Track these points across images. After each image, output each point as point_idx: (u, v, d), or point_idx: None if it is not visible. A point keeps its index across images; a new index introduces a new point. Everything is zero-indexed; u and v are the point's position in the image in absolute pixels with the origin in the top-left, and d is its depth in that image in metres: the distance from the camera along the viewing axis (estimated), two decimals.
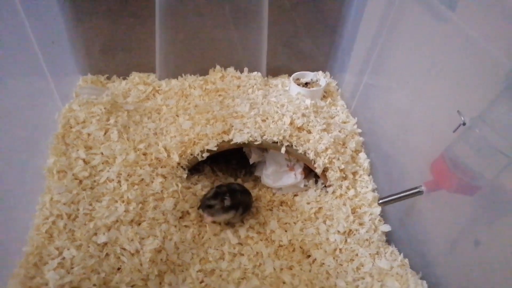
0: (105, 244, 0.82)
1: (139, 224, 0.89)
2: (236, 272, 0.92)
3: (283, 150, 1.00)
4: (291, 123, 1.04)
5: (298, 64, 1.40)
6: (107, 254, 0.81)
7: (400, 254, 0.92)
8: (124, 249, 0.83)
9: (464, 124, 0.71)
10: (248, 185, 1.17)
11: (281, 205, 1.11)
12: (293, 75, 1.25)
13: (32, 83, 1.00)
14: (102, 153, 0.95)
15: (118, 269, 0.81)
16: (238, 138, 0.99)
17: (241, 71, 1.28)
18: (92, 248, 0.80)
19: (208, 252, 0.95)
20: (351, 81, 1.27)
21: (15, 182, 0.83)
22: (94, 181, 0.91)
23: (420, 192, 0.82)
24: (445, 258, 0.87)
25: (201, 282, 0.89)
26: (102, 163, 0.94)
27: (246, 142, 0.99)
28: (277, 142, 1.01)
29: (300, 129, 1.05)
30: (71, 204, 0.84)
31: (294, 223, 1.04)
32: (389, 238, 0.98)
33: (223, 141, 1.00)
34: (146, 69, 1.29)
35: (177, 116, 1.11)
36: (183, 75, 1.26)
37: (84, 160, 0.93)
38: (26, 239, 0.78)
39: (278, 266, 0.94)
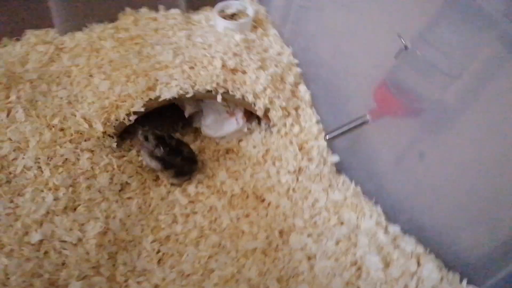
0: (41, 241, 0.73)
1: (75, 209, 0.80)
2: (193, 232, 0.89)
3: (219, 98, 0.92)
4: (223, 66, 0.94)
5: None
6: (46, 252, 0.73)
7: (351, 182, 0.93)
8: (64, 241, 0.75)
9: (406, 48, 0.67)
10: (188, 138, 1.10)
11: (227, 153, 1.06)
12: (216, 7, 1.11)
13: None
14: (10, 139, 0.81)
15: (63, 264, 0.73)
16: (166, 93, 0.89)
17: (156, 10, 1.11)
18: (26, 250, 0.71)
19: (159, 219, 0.91)
20: (280, 4, 1.16)
21: None
22: (10, 173, 0.79)
23: (365, 122, 0.80)
24: (393, 173, 0.89)
25: (157, 252, 0.85)
26: (14, 151, 0.80)
27: (176, 96, 0.89)
28: (211, 91, 0.91)
29: (233, 70, 0.96)
30: None
31: (243, 170, 1.00)
32: (339, 168, 0.98)
33: (150, 99, 0.89)
34: (42, 24, 1.07)
35: (91, 76, 0.96)
36: (87, 25, 1.06)
37: None
38: None
39: (234, 217, 0.92)
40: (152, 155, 0.90)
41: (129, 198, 0.89)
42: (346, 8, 0.87)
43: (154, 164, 0.91)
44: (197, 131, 1.11)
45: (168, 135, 0.91)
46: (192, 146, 1.05)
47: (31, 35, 1.05)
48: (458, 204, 0.74)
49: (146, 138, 0.88)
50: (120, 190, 0.89)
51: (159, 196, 0.94)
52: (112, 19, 1.09)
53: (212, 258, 0.85)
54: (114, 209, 0.84)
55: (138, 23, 1.07)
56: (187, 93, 0.90)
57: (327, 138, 0.84)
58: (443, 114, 0.74)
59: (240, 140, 1.07)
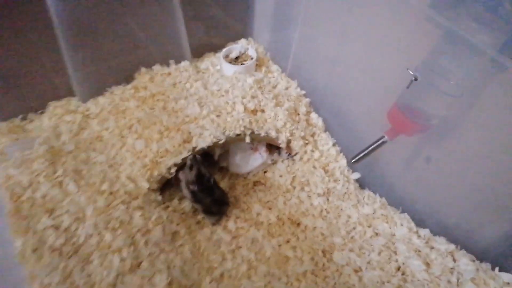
0: None
1: (139, 266, 0.87)
2: (242, 266, 0.97)
3: (247, 139, 1.01)
4: (245, 109, 1.03)
5: (218, 37, 1.34)
6: None
7: (376, 195, 1.04)
8: None
9: (415, 79, 0.78)
10: (216, 178, 1.18)
11: (256, 185, 1.15)
12: (221, 54, 1.20)
13: None
14: (68, 211, 0.87)
15: None
16: (202, 143, 0.97)
17: (167, 64, 1.19)
18: None
19: (210, 259, 0.98)
20: (278, 41, 1.26)
21: None
22: (74, 243, 0.85)
23: (384, 142, 0.91)
24: (406, 181, 1.00)
25: None
26: (74, 222, 0.86)
27: (211, 144, 0.98)
28: (240, 134, 1.00)
29: (254, 111, 1.06)
30: (65, 281, 0.78)
31: (275, 199, 1.09)
32: (361, 184, 1.08)
33: (188, 151, 0.97)
34: (62, 94, 1.14)
35: (123, 137, 1.03)
36: (108, 89, 1.14)
37: (53, 227, 0.84)
38: None
39: (276, 244, 1.00)
40: (187, 184, 0.96)
41: (181, 245, 0.96)
42: (348, 37, 0.98)
43: (185, 192, 0.97)
44: (222, 170, 1.19)
45: (210, 176, 0.97)
46: (222, 184, 1.13)
47: (55, 107, 1.11)
48: (473, 200, 0.85)
49: (191, 168, 0.94)
50: (171, 239, 0.96)
51: (205, 237, 1.01)
52: (129, 79, 1.17)
53: (267, 287, 0.92)
54: (172, 259, 0.91)
55: (154, 80, 1.15)
56: (220, 140, 0.98)
57: (352, 161, 0.94)
58: (448, 126, 0.86)
59: (265, 172, 1.16)
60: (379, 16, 0.87)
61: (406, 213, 0.97)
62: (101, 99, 1.12)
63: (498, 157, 0.77)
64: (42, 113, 1.12)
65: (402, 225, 0.95)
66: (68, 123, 1.07)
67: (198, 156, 0.93)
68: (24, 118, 1.10)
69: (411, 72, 0.79)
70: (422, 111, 0.86)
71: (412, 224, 0.95)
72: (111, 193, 0.93)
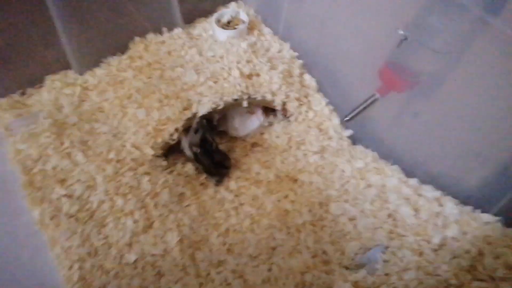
0: (136, 260, 0.87)
1: (151, 226, 0.93)
2: (246, 221, 1.04)
3: (245, 104, 1.05)
4: (240, 74, 1.06)
5: (208, 2, 1.33)
6: (143, 268, 0.86)
7: (367, 149, 1.10)
8: (154, 254, 0.89)
9: (406, 38, 0.81)
10: (216, 141, 1.23)
11: (254, 147, 1.20)
12: (213, 19, 1.21)
13: None
14: (79, 180, 0.92)
15: (159, 273, 0.87)
16: (202, 110, 1.01)
17: (160, 32, 1.20)
18: (128, 269, 0.84)
19: (216, 216, 1.05)
20: (269, 2, 1.27)
21: (10, 253, 0.80)
22: (88, 209, 0.90)
23: (376, 100, 0.96)
24: (395, 135, 1.06)
25: (224, 244, 1.00)
26: (86, 190, 0.91)
27: (211, 110, 1.01)
28: (237, 99, 1.04)
29: (249, 76, 1.09)
30: (84, 243, 0.85)
31: (273, 158, 1.15)
32: (353, 140, 1.14)
33: (188, 118, 1.01)
34: (58, 66, 1.15)
35: (124, 107, 1.06)
36: (103, 60, 1.15)
37: (67, 195, 0.89)
38: None
39: (275, 200, 1.07)
40: (190, 146, 1.02)
41: (187, 205, 1.03)
42: (339, 3, 1.00)
43: (188, 152, 1.04)
44: (221, 134, 1.23)
45: (213, 141, 1.02)
46: (222, 147, 1.19)
47: (53, 80, 1.13)
48: (458, 150, 0.92)
49: (196, 131, 0.99)
50: (179, 201, 1.02)
51: (209, 197, 1.07)
52: (124, 49, 1.17)
53: (270, 238, 1.00)
54: (181, 218, 0.98)
55: (149, 49, 1.16)
56: (219, 105, 1.02)
57: (346, 119, 0.99)
58: (435, 82, 0.91)
59: (262, 134, 1.21)
60: None
61: (396, 165, 1.03)
62: (98, 71, 1.13)
63: (481, 110, 0.83)
64: (40, 87, 1.13)
65: (392, 176, 1.02)
66: (68, 96, 1.09)
67: (204, 121, 0.97)
68: (23, 93, 1.12)
69: (401, 32, 0.83)
70: (411, 68, 0.91)
71: (402, 175, 1.02)
72: (118, 161, 0.98)
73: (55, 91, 1.10)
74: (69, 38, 1.04)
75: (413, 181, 1.00)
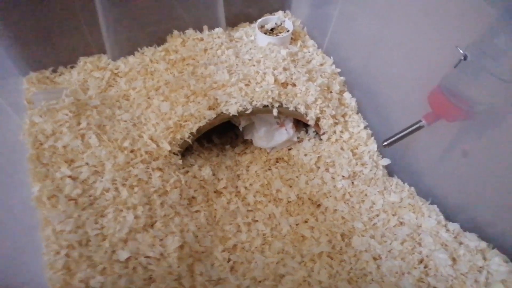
0: (128, 258, 0.78)
1: (152, 226, 0.85)
2: (256, 240, 0.94)
3: (275, 112, 0.97)
4: (275, 81, 0.99)
5: (255, 8, 1.29)
6: (134, 268, 0.78)
7: (405, 184, 0.98)
8: (149, 256, 0.80)
9: (465, 58, 0.71)
10: (238, 149, 1.15)
11: (278, 162, 1.11)
12: (257, 24, 1.16)
13: None
14: (87, 163, 0.86)
15: (150, 278, 0.79)
16: (228, 111, 0.94)
17: (201, 30, 1.16)
18: (117, 267, 0.76)
19: (225, 229, 0.96)
20: (317, 16, 1.21)
21: (1, 225, 0.75)
22: (90, 195, 0.84)
23: (422, 127, 0.84)
24: (440, 173, 0.93)
25: (228, 261, 0.90)
26: (92, 174, 0.86)
27: (237, 113, 0.94)
28: (267, 106, 0.96)
29: (284, 84, 1.01)
30: (77, 230, 0.77)
31: (297, 177, 1.05)
32: (390, 171, 1.02)
33: (213, 118, 0.94)
34: (93, 50, 1.13)
35: (149, 98, 1.01)
36: (139, 49, 1.12)
37: (71, 177, 0.84)
38: (44, 282, 0.72)
39: (293, 223, 0.97)
40: None
41: (197, 211, 0.94)
42: (392, 17, 0.91)
43: None
44: (246, 142, 1.16)
45: None
46: (244, 157, 1.11)
47: (85, 62, 1.11)
48: (510, 199, 0.78)
49: None
50: (188, 204, 0.94)
51: (222, 207, 0.99)
52: (161, 42, 1.14)
53: (280, 263, 0.89)
54: (187, 223, 0.89)
55: (186, 44, 1.12)
56: (247, 109, 0.95)
57: (384, 143, 0.88)
58: (492, 116, 0.78)
59: (289, 149, 1.12)
60: None
61: (435, 206, 0.90)
62: (131, 59, 1.10)
63: None
64: (72, 67, 1.11)
65: (430, 216, 0.89)
66: (97, 79, 1.06)
67: None
68: (54, 71, 1.10)
69: (460, 50, 0.72)
70: (467, 95, 0.79)
71: (441, 217, 0.89)
72: (132, 151, 0.92)
73: (85, 73, 1.07)
74: (107, 23, 1.02)
75: (454, 226, 0.86)
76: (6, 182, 0.83)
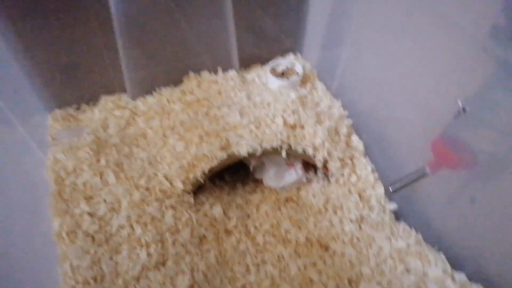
0: None
1: (164, 264, 0.88)
2: (265, 281, 0.95)
3: (284, 154, 1.01)
4: (284, 123, 1.03)
5: (266, 50, 1.36)
6: None
7: (412, 229, 0.99)
8: None
9: (464, 110, 0.74)
10: (249, 188, 1.18)
11: (288, 202, 1.13)
12: (267, 67, 1.22)
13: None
14: (104, 200, 0.91)
15: None
16: (238, 152, 0.98)
17: (215, 71, 1.22)
18: None
19: (234, 269, 0.97)
20: (327, 59, 1.26)
21: (22, 258, 0.78)
22: (106, 232, 0.88)
23: (426, 174, 0.87)
24: (447, 219, 0.94)
25: None
26: (109, 211, 0.89)
27: (247, 155, 0.98)
28: (276, 148, 1.00)
29: (293, 126, 1.05)
30: (93, 266, 0.81)
31: (306, 219, 1.07)
32: (397, 214, 1.04)
33: (224, 158, 0.98)
34: (115, 88, 1.20)
35: (165, 137, 1.06)
36: (156, 88, 1.18)
37: (89, 213, 0.88)
38: None
39: (301, 265, 0.98)
40: None
41: (207, 250, 0.97)
42: (397, 63, 0.96)
43: None
44: (256, 181, 1.19)
45: None
46: (254, 196, 1.14)
47: (106, 100, 1.17)
48: None
49: None
50: (198, 243, 0.97)
51: (231, 246, 1.01)
52: (177, 82, 1.21)
53: None
54: (197, 262, 0.92)
55: (201, 86, 1.18)
56: (257, 151, 0.98)
57: (391, 190, 0.91)
58: (497, 164, 0.81)
59: (299, 189, 1.14)
60: (432, 42, 0.84)
61: (442, 253, 0.91)
62: (150, 99, 1.16)
63: None
64: (94, 104, 1.18)
65: (436, 265, 0.89)
66: (117, 118, 1.12)
67: None
68: (77, 108, 1.17)
69: (460, 103, 0.76)
70: (469, 145, 0.82)
71: (448, 266, 0.89)
72: (147, 188, 0.96)
73: (106, 111, 1.14)
74: (128, 64, 1.09)
75: (461, 276, 0.86)
76: (28, 215, 0.88)
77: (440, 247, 0.93)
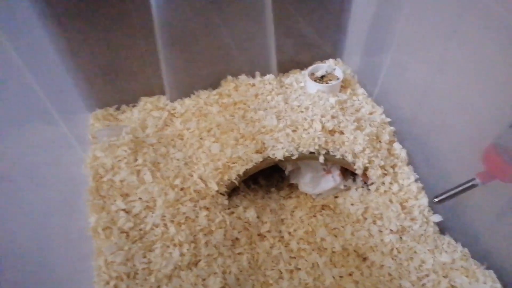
0: None
1: (196, 264, 0.87)
2: None
3: (321, 159, 0.97)
4: (322, 128, 1.00)
5: (306, 55, 1.34)
6: None
7: (457, 243, 0.92)
8: None
9: None
10: (283, 193, 1.16)
11: (323, 209, 1.10)
12: (307, 71, 1.20)
13: (43, 133, 0.94)
14: (140, 198, 0.91)
15: None
16: (274, 156, 0.96)
17: (253, 76, 1.22)
18: None
19: (266, 274, 0.95)
20: (368, 65, 1.22)
21: (59, 251, 0.80)
22: (140, 229, 0.88)
23: (475, 185, 0.81)
24: (497, 236, 0.87)
25: None
26: (144, 209, 0.90)
27: (283, 159, 0.96)
28: (314, 152, 0.97)
29: (332, 132, 1.02)
30: (126, 262, 0.81)
31: (343, 227, 1.03)
32: (442, 227, 0.98)
33: (260, 161, 0.97)
34: (154, 91, 1.22)
35: (201, 139, 1.06)
36: (194, 91, 1.19)
37: (125, 210, 0.89)
38: None
39: (337, 274, 0.94)
40: None
41: (239, 253, 0.95)
42: (445, 67, 0.91)
43: None
44: (292, 186, 1.16)
45: None
46: (289, 202, 1.11)
47: (146, 102, 1.19)
48: None
49: None
50: (231, 245, 0.95)
51: (264, 251, 0.98)
52: (215, 85, 1.21)
53: None
54: (229, 264, 0.90)
55: (239, 89, 1.17)
56: (293, 155, 0.96)
57: (435, 200, 0.85)
58: None
59: (336, 197, 1.10)
60: (485, 46, 0.79)
61: (492, 271, 0.84)
62: (187, 101, 1.17)
63: None
64: (134, 106, 1.21)
65: (485, 283, 0.82)
66: (155, 119, 1.13)
67: None
68: (118, 109, 1.20)
69: None
70: None
71: (498, 284, 0.82)
72: (182, 189, 0.96)
73: (145, 112, 1.16)
74: (168, 67, 1.10)
75: None
76: (66, 210, 0.90)
77: (489, 264, 0.86)
